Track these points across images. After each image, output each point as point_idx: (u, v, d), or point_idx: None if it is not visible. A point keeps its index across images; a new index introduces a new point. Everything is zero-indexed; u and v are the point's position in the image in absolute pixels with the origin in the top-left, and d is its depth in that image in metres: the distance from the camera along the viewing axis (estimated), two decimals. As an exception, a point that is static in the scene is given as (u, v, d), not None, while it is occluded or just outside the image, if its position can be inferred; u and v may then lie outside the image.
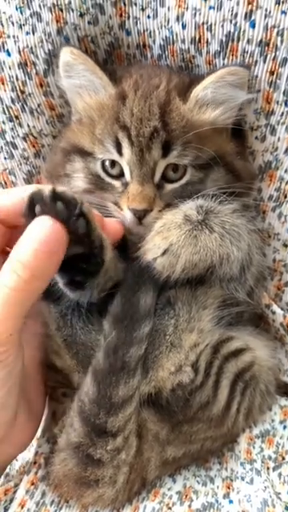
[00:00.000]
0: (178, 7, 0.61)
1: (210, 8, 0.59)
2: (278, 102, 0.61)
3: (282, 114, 0.61)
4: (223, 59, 0.61)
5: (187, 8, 0.60)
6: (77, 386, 0.60)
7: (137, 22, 0.65)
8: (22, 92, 0.66)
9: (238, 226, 0.59)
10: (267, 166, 0.65)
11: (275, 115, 0.61)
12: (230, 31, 0.59)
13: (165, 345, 0.59)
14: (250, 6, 0.57)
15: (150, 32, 0.65)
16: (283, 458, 0.64)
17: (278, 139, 0.63)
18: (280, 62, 0.58)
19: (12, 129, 0.68)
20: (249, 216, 0.62)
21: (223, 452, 0.68)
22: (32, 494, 0.62)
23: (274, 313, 0.70)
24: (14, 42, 0.63)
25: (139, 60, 0.69)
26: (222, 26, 0.59)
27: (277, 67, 0.59)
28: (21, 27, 0.62)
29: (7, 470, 0.66)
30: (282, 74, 0.59)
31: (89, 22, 0.64)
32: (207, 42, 0.61)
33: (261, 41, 0.58)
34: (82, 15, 0.63)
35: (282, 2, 0.56)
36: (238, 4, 0.57)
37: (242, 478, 0.63)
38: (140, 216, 0.60)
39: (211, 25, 0.60)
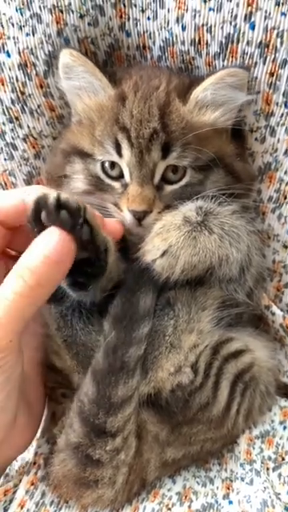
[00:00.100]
0: (177, 9, 0.61)
1: (210, 10, 0.59)
2: (277, 104, 0.61)
3: (282, 115, 0.61)
4: (223, 61, 0.61)
5: (187, 10, 0.60)
6: (76, 386, 0.60)
7: (137, 24, 0.65)
8: (22, 93, 0.66)
9: (237, 228, 0.59)
10: (267, 167, 0.65)
11: (275, 116, 0.62)
12: (229, 33, 0.59)
13: (164, 345, 0.59)
14: (249, 7, 0.57)
15: (150, 33, 0.65)
16: (283, 459, 0.64)
17: (278, 140, 0.63)
18: (280, 63, 0.58)
19: (12, 130, 0.68)
20: (248, 217, 0.62)
21: (223, 453, 0.68)
22: (32, 495, 0.62)
23: (273, 314, 0.70)
24: (14, 43, 0.63)
25: (139, 61, 0.69)
26: (222, 27, 0.59)
27: (276, 69, 0.59)
28: (21, 28, 0.63)
29: (7, 471, 0.67)
30: (282, 76, 0.59)
31: (89, 24, 0.64)
32: (207, 43, 0.61)
33: (260, 42, 0.58)
34: (82, 17, 0.63)
35: (282, 4, 0.56)
36: (237, 6, 0.57)
37: (242, 479, 0.63)
38: (140, 217, 0.60)
39: (211, 26, 0.60)
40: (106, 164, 0.62)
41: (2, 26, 0.63)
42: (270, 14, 0.57)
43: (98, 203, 0.62)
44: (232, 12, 0.58)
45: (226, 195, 0.60)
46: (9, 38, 0.63)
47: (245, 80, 0.60)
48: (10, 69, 0.64)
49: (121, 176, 0.62)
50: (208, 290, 0.62)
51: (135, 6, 0.64)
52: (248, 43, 0.59)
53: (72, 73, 0.62)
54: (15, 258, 0.57)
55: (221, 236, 0.57)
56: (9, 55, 0.64)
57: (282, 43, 0.57)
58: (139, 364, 0.58)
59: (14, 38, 0.63)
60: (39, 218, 0.48)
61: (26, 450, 0.64)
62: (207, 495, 0.63)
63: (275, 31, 0.57)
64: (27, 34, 0.63)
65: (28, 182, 0.72)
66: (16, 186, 0.72)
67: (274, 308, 0.70)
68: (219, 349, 0.62)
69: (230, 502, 0.61)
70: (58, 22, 0.63)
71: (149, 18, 0.64)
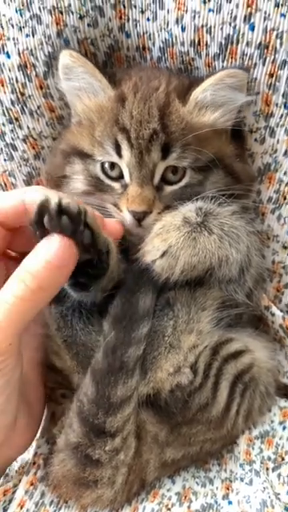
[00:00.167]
0: (177, 10, 0.61)
1: (210, 11, 0.59)
2: (277, 105, 0.61)
3: (281, 116, 0.61)
4: (222, 62, 0.61)
5: (186, 11, 0.60)
6: (76, 386, 0.60)
7: (136, 25, 0.65)
8: (22, 94, 0.66)
9: (236, 228, 0.59)
10: (266, 168, 0.65)
11: (274, 117, 0.62)
12: (229, 34, 0.59)
13: (163, 346, 0.59)
14: (249, 8, 0.57)
15: (150, 34, 0.65)
16: (282, 459, 0.64)
17: (277, 141, 0.63)
18: (279, 64, 0.58)
19: (12, 131, 0.68)
20: (248, 218, 0.62)
21: (222, 453, 0.68)
22: (31, 495, 0.63)
23: (273, 314, 0.70)
24: (14, 44, 0.63)
25: (139, 62, 0.69)
26: (222, 28, 0.59)
27: (276, 69, 0.59)
28: (21, 29, 0.63)
29: (6, 471, 0.67)
30: (281, 77, 0.59)
31: (88, 25, 0.64)
32: (206, 44, 0.61)
33: (260, 43, 0.58)
34: (81, 18, 0.63)
35: (281, 5, 0.56)
36: (237, 7, 0.57)
37: (242, 479, 0.63)
38: (139, 218, 0.60)
39: (210, 27, 0.60)
40: (106, 165, 0.62)
41: (2, 27, 0.63)
42: (269, 15, 0.57)
43: (97, 204, 0.62)
44: (232, 13, 0.58)
45: (225, 196, 0.60)
46: (9, 39, 0.63)
47: (244, 81, 0.60)
48: (9, 70, 0.64)
49: (121, 177, 0.62)
50: (208, 291, 0.62)
51: (135, 7, 0.64)
52: (247, 44, 0.59)
53: (72, 74, 0.62)
54: (15, 260, 0.58)
55: (220, 237, 0.57)
56: (9, 56, 0.64)
57: (281, 44, 0.57)
58: (138, 364, 0.58)
59: (13, 39, 0.63)
60: (42, 222, 0.49)
61: (26, 451, 0.64)
62: (207, 495, 0.63)
63: (275, 32, 0.57)
64: (27, 35, 0.63)
65: (28, 183, 0.72)
66: (16, 187, 0.73)
67: (274, 309, 0.70)
68: (219, 349, 0.62)
69: (230, 503, 0.61)
70: (57, 23, 0.63)
71: (148, 19, 0.64)
